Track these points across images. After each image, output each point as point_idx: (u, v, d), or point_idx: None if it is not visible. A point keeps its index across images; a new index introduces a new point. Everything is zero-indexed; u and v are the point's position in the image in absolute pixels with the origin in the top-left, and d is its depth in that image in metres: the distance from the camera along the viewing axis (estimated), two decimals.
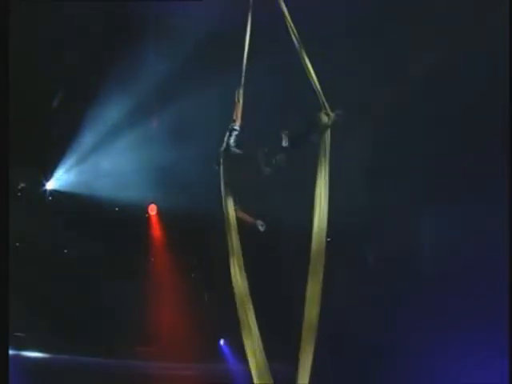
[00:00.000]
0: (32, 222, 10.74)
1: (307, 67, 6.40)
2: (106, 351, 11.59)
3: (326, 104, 6.44)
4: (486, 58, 9.38)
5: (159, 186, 11.40)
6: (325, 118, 6.39)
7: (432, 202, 10.30)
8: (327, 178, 6.35)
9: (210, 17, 9.86)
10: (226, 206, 6.28)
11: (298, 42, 6.39)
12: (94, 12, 10.27)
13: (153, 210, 12.09)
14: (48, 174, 11.64)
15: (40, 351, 11.56)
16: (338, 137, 6.54)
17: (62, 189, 11.66)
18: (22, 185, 11.55)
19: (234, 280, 6.12)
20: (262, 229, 6.35)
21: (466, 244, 9.93)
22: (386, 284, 10.58)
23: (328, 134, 6.42)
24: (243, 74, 6.49)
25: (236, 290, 6.08)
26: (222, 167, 6.36)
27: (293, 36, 6.40)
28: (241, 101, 6.52)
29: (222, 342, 12.18)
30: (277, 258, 11.46)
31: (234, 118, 6.50)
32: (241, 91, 6.52)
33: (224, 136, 6.45)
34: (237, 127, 6.47)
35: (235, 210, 6.28)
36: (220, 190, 6.36)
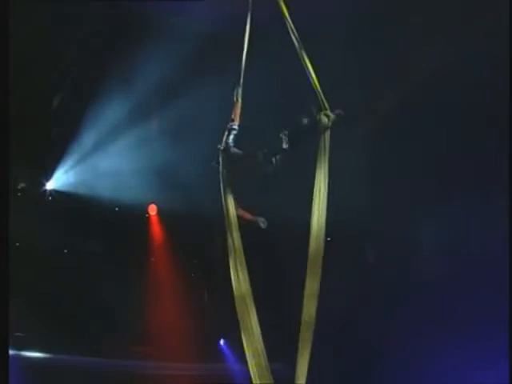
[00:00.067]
0: (32, 222, 10.74)
1: (307, 67, 6.40)
2: (106, 351, 11.60)
3: (325, 104, 6.44)
4: (486, 58, 9.37)
5: (159, 186, 11.40)
6: (324, 118, 6.39)
7: (432, 202, 10.29)
8: (326, 177, 6.35)
9: (209, 17, 9.86)
10: (227, 204, 6.28)
11: (298, 42, 6.39)
12: (94, 12, 10.27)
13: (153, 210, 12.09)
14: (48, 174, 11.64)
15: (40, 351, 11.57)
16: (337, 136, 6.54)
17: (61, 189, 11.67)
18: (22, 185, 11.56)
19: (235, 279, 6.11)
20: (263, 226, 6.35)
21: (465, 244, 9.92)
22: (385, 284, 10.57)
23: (328, 133, 6.43)
24: (242, 73, 6.49)
25: (237, 290, 6.07)
26: (221, 166, 6.36)
27: (292, 36, 6.40)
28: (239, 100, 6.52)
29: (221, 341, 12.18)
30: (276, 257, 11.46)
31: (233, 117, 6.51)
32: (239, 91, 6.52)
33: (223, 135, 6.46)
34: (235, 126, 6.47)
35: (236, 208, 6.29)
36: (220, 189, 6.36)
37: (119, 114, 11.11)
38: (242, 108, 6.58)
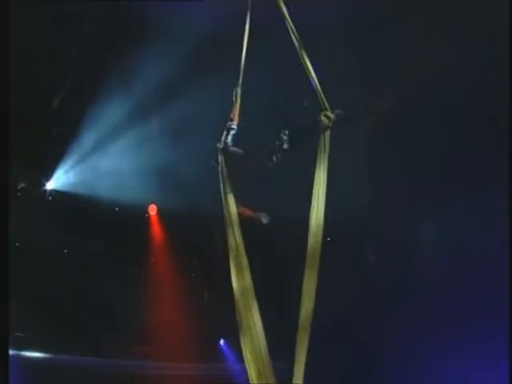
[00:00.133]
0: (32, 222, 10.74)
1: (307, 67, 6.40)
2: (106, 351, 11.60)
3: (326, 103, 6.45)
4: (486, 58, 9.37)
5: (159, 186, 11.40)
6: (325, 118, 6.39)
7: (432, 202, 10.29)
8: (326, 176, 6.35)
9: (209, 17, 9.86)
10: (227, 203, 6.28)
11: (298, 42, 6.39)
12: (94, 12, 10.27)
13: (153, 210, 12.10)
14: (48, 174, 11.64)
15: (40, 351, 11.57)
16: (337, 136, 6.55)
17: (61, 189, 11.67)
18: (22, 185, 11.56)
19: (237, 278, 6.09)
20: (265, 221, 6.36)
21: (465, 244, 9.92)
22: (385, 284, 10.57)
23: (328, 133, 6.43)
24: (241, 73, 6.49)
25: (239, 289, 6.04)
26: (220, 165, 6.37)
27: (292, 36, 6.40)
28: (238, 100, 6.53)
29: (221, 341, 12.18)
30: (276, 256, 11.46)
31: (232, 116, 6.51)
32: (238, 91, 6.52)
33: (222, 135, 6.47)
34: (234, 126, 6.48)
35: (237, 206, 6.28)
36: (220, 189, 6.37)
37: (119, 113, 11.11)
38: (243, 108, 6.58)
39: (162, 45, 10.25)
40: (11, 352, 8.92)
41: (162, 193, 11.52)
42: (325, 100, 6.44)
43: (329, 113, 6.42)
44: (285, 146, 6.35)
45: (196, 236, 11.67)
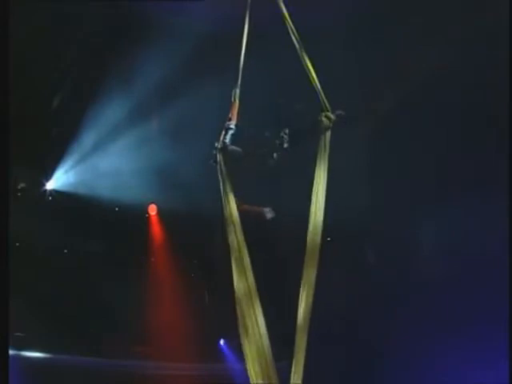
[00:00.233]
0: (32, 222, 10.74)
1: (307, 67, 6.40)
2: (106, 351, 11.60)
3: (326, 104, 6.45)
4: (486, 58, 9.37)
5: (159, 186, 11.40)
6: (325, 118, 6.39)
7: (432, 202, 10.29)
8: (326, 176, 6.35)
9: (209, 17, 9.86)
10: (227, 203, 6.27)
11: (298, 42, 6.39)
12: (94, 12, 10.27)
13: (153, 210, 12.10)
14: (48, 174, 11.64)
15: (40, 351, 11.57)
16: (338, 136, 6.55)
17: (61, 189, 11.67)
18: (22, 185, 11.55)
19: (239, 278, 6.07)
20: (270, 216, 6.36)
21: (465, 244, 9.92)
22: (385, 284, 10.58)
23: (328, 133, 6.43)
24: (240, 74, 6.49)
25: (241, 288, 6.02)
26: (219, 165, 6.36)
27: (292, 36, 6.40)
28: (237, 100, 6.53)
29: (221, 341, 12.19)
30: (276, 256, 11.46)
31: (230, 116, 6.52)
32: (237, 91, 6.52)
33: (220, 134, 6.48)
34: (232, 126, 6.48)
35: (239, 204, 6.28)
36: (219, 189, 6.36)
37: (119, 113, 11.11)
38: (243, 108, 6.58)
39: (162, 45, 10.25)
40: (11, 352, 8.93)
41: (161, 193, 11.52)
42: (325, 100, 6.44)
43: (329, 113, 6.42)
44: (285, 145, 6.35)
45: (196, 236, 11.67)
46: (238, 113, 6.54)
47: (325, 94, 6.43)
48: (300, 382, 5.88)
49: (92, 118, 11.12)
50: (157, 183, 11.36)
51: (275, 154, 6.36)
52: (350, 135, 9.50)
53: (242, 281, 6.05)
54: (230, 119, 6.49)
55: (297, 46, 6.40)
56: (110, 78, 10.79)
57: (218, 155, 6.39)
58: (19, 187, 11.51)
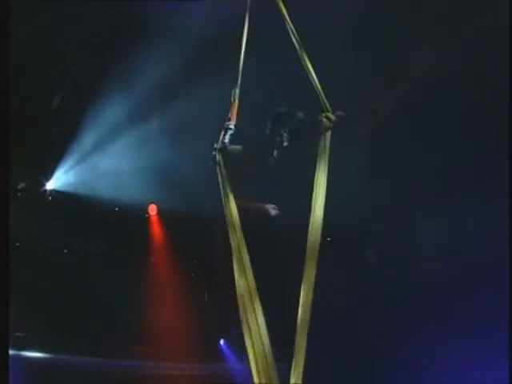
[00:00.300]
0: (32, 222, 10.74)
1: (307, 67, 6.40)
2: (106, 351, 11.60)
3: (327, 104, 6.44)
4: (486, 58, 9.37)
5: (159, 186, 11.40)
6: (325, 119, 6.39)
7: (432, 202, 10.29)
8: (326, 177, 6.35)
9: (209, 17, 9.86)
10: (227, 203, 6.27)
11: (298, 42, 6.39)
12: (94, 12, 10.27)
13: (153, 210, 12.10)
14: (48, 174, 11.64)
15: (40, 351, 11.57)
16: (338, 136, 6.54)
17: (61, 189, 11.67)
18: (22, 185, 11.56)
19: (238, 278, 6.08)
20: (274, 213, 6.36)
21: (465, 244, 9.92)
22: (385, 284, 10.57)
23: (328, 134, 6.42)
24: (240, 74, 6.49)
25: (241, 289, 6.03)
26: (218, 165, 6.36)
27: (292, 36, 6.40)
28: (237, 100, 6.53)
29: (221, 341, 12.19)
30: (275, 256, 11.45)
31: (229, 116, 6.52)
32: (237, 91, 6.52)
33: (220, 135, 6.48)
34: (232, 126, 6.48)
35: (242, 202, 6.27)
36: (219, 189, 6.36)
37: (119, 113, 11.11)
38: (243, 108, 6.58)
39: (162, 45, 10.25)
40: (11, 352, 8.92)
41: (162, 193, 11.52)
42: (325, 101, 6.44)
43: (329, 114, 6.41)
44: (285, 144, 6.36)
45: (196, 236, 11.67)
46: (238, 113, 6.54)
47: (325, 94, 6.43)
48: (300, 382, 5.88)
49: (92, 118, 11.12)
50: (157, 183, 11.36)
51: (275, 152, 6.36)
52: (350, 135, 9.50)
53: (242, 280, 6.06)
54: (229, 119, 6.49)
55: (297, 46, 6.39)
56: (110, 78, 10.80)
57: (217, 155, 6.39)
58: (19, 187, 11.51)
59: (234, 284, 6.08)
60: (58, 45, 10.51)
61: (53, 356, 11.55)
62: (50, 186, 11.70)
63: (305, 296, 6.06)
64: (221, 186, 6.33)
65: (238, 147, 6.45)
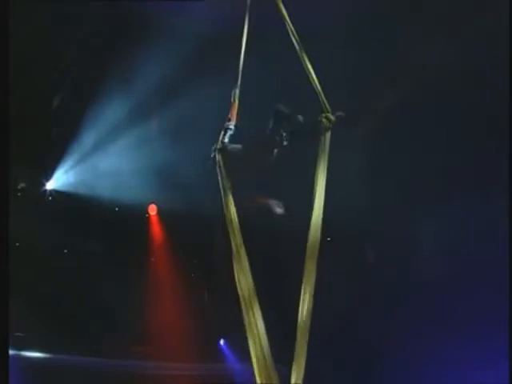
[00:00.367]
0: (32, 222, 10.74)
1: (307, 67, 6.40)
2: (106, 351, 11.60)
3: (327, 105, 6.44)
4: (486, 58, 9.37)
5: (159, 186, 11.40)
6: (325, 119, 6.39)
7: (432, 202, 10.29)
8: (326, 177, 6.35)
9: (209, 17, 9.86)
10: (227, 204, 6.27)
11: (298, 43, 6.39)
12: (94, 12, 10.28)
13: (153, 210, 12.10)
14: (48, 174, 11.65)
15: (40, 351, 11.57)
16: (337, 136, 6.54)
17: (61, 189, 11.68)
18: (22, 185, 11.56)
19: (238, 280, 6.09)
20: (279, 210, 6.38)
21: (465, 244, 9.92)
22: (385, 284, 10.57)
23: (328, 134, 6.43)
24: (240, 74, 6.50)
25: (241, 290, 6.04)
26: (218, 165, 6.37)
27: (292, 37, 6.40)
28: (237, 101, 6.53)
29: (221, 341, 12.19)
30: (276, 256, 11.46)
31: (229, 116, 6.53)
32: (237, 92, 6.53)
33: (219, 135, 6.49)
34: (231, 126, 6.49)
35: (248, 200, 6.28)
36: (219, 189, 6.36)
37: (119, 113, 11.12)
38: (243, 108, 6.58)
39: (162, 45, 10.26)
40: (11, 352, 8.92)
41: (162, 193, 11.52)
42: (325, 101, 6.44)
43: (329, 114, 6.42)
44: (284, 143, 6.36)
45: (196, 236, 11.67)
46: (238, 113, 6.55)
47: (325, 94, 6.43)
48: (300, 382, 5.88)
49: (92, 118, 11.13)
50: (157, 183, 11.36)
51: (275, 150, 6.36)
52: (350, 135, 9.50)
53: (241, 281, 6.07)
54: (229, 119, 6.50)
55: (296, 46, 6.40)
56: (110, 78, 10.80)
57: (216, 155, 6.39)
58: (19, 187, 11.52)
59: (234, 284, 6.09)
60: (58, 45, 10.52)
61: (53, 356, 11.55)
62: (50, 186, 11.71)
63: (305, 296, 6.06)
64: (221, 186, 6.34)
65: (238, 146, 6.46)
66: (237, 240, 6.14)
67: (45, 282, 11.12)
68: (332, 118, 6.40)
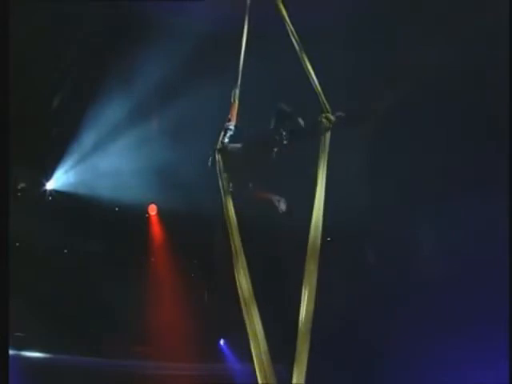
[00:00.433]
0: (32, 222, 10.74)
1: (307, 68, 6.40)
2: (106, 351, 11.60)
3: (326, 105, 6.44)
4: (486, 58, 9.37)
5: (159, 186, 11.40)
6: (325, 120, 6.39)
7: (432, 202, 10.29)
8: (326, 177, 6.35)
9: (209, 17, 9.86)
10: (226, 204, 6.28)
11: (298, 43, 6.39)
12: (94, 12, 10.28)
13: (153, 210, 12.10)
14: (48, 174, 11.65)
15: (40, 351, 11.57)
16: (337, 136, 6.54)
17: (61, 189, 11.68)
18: (22, 185, 11.56)
19: (238, 279, 6.10)
20: (283, 206, 6.39)
21: (465, 244, 9.92)
22: (385, 284, 10.57)
23: (328, 134, 6.42)
24: (240, 75, 6.50)
25: (240, 291, 6.06)
26: (218, 165, 6.37)
27: (292, 37, 6.40)
28: (237, 101, 6.54)
29: (221, 341, 12.19)
30: (276, 256, 11.46)
31: (229, 117, 6.53)
32: (237, 92, 6.53)
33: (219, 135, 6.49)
34: (231, 127, 6.49)
35: (254, 191, 6.29)
36: (219, 189, 6.37)
37: (119, 113, 11.12)
38: (243, 109, 6.59)
39: (162, 45, 10.26)
40: (11, 352, 8.93)
41: (162, 193, 11.52)
42: (325, 102, 6.43)
43: (329, 115, 6.41)
44: (284, 142, 6.36)
45: (196, 236, 11.67)
46: (238, 113, 6.55)
47: (325, 94, 6.43)
48: (303, 382, 5.89)
49: (92, 118, 11.13)
50: (157, 183, 11.36)
51: (275, 149, 6.36)
52: (350, 135, 9.49)
53: (241, 282, 6.08)
54: (229, 120, 6.50)
55: (296, 46, 6.39)
56: (110, 77, 10.80)
57: (216, 156, 6.40)
58: (19, 187, 11.52)
59: (234, 284, 6.10)
60: (58, 45, 10.52)
61: (53, 356, 11.55)
62: (50, 186, 11.71)
63: (307, 296, 6.05)
64: (220, 186, 6.34)
65: (238, 145, 6.46)
66: (236, 241, 6.15)
67: (45, 282, 11.12)
68: (332, 118, 6.39)
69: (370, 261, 11.37)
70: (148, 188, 11.46)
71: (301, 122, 6.53)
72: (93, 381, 10.95)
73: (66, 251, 11.91)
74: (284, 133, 6.38)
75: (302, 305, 6.05)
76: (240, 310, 5.98)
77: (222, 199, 6.33)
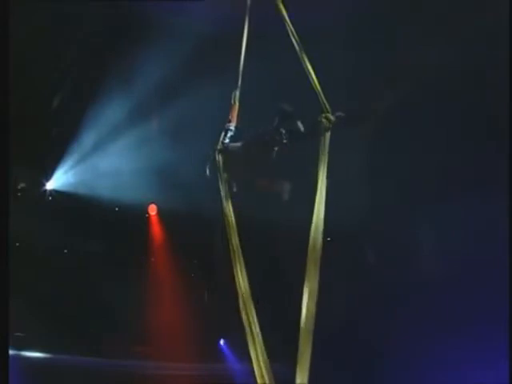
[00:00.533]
0: (32, 222, 10.74)
1: (307, 68, 6.40)
2: (106, 351, 11.60)
3: (326, 105, 6.44)
4: (486, 58, 9.37)
5: (159, 186, 11.40)
6: (325, 120, 6.39)
7: (432, 202, 10.29)
8: (326, 177, 6.35)
9: (209, 17, 9.86)
10: (226, 205, 6.28)
11: (297, 43, 6.39)
12: (94, 12, 10.28)
13: (153, 210, 12.10)
14: (48, 174, 11.65)
15: (40, 351, 11.57)
16: (337, 136, 6.54)
17: (62, 189, 11.68)
18: (22, 185, 11.57)
19: (236, 280, 6.11)
20: (286, 196, 6.41)
21: (465, 244, 9.92)
22: (385, 284, 10.58)
23: (328, 134, 6.42)
24: (240, 76, 6.50)
25: (238, 291, 6.07)
26: (218, 166, 6.38)
27: (292, 37, 6.40)
28: (237, 102, 6.54)
29: (221, 341, 12.19)
30: (276, 257, 11.46)
31: (230, 118, 6.54)
32: (237, 93, 6.54)
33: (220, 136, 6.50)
34: (232, 127, 6.50)
35: (259, 180, 6.30)
36: (219, 189, 6.37)
37: (119, 114, 11.12)
38: (243, 109, 6.59)
39: (162, 45, 10.26)
40: (11, 352, 8.93)
41: (162, 193, 11.52)
42: (325, 102, 6.43)
43: (329, 115, 6.41)
44: (284, 141, 6.37)
45: (196, 236, 11.67)
46: (238, 114, 6.55)
47: (325, 94, 6.43)
48: (306, 382, 5.89)
49: (92, 118, 11.13)
50: (157, 183, 11.37)
51: (276, 148, 6.37)
52: (350, 135, 9.49)
53: (240, 282, 6.09)
54: (229, 121, 6.51)
55: (296, 47, 6.39)
56: (110, 77, 10.80)
57: (216, 156, 6.40)
58: (19, 187, 11.52)
59: (234, 284, 6.11)
60: (58, 45, 10.52)
61: (53, 356, 11.56)
62: (50, 186, 11.71)
63: (308, 297, 6.05)
64: (220, 186, 6.34)
65: (238, 145, 6.46)
66: (234, 241, 6.16)
67: (45, 282, 11.13)
68: (332, 118, 6.39)
69: (369, 261, 11.37)
70: (148, 188, 11.47)
71: (301, 122, 6.53)
72: (93, 381, 10.95)
73: (66, 251, 11.91)
74: (284, 132, 6.38)
75: (303, 305, 6.05)
76: (239, 309, 5.99)
77: (221, 199, 6.33)
